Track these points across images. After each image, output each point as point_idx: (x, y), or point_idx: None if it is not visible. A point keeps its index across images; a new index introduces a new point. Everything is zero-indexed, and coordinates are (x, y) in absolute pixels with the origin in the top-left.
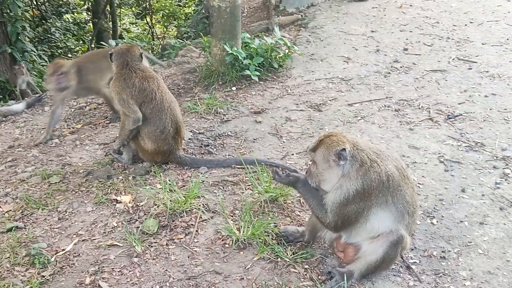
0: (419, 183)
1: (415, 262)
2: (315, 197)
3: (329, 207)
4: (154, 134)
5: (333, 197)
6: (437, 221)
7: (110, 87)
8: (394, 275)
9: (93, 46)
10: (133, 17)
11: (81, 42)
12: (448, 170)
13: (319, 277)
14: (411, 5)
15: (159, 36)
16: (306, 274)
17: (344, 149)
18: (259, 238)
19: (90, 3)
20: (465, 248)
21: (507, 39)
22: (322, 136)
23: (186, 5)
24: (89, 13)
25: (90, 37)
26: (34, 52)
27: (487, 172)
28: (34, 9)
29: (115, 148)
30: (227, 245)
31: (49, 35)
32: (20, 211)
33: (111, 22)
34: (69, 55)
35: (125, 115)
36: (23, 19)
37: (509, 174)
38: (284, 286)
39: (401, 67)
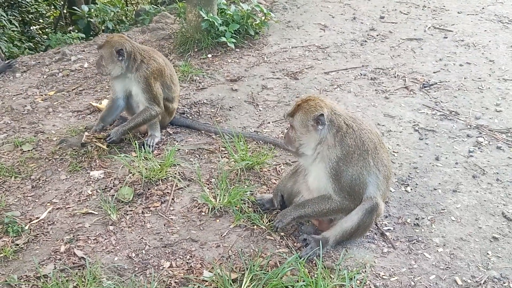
0: (394, 152)
1: (390, 229)
2: (308, 202)
3: (328, 188)
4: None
5: (322, 175)
6: (411, 189)
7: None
8: (368, 242)
9: (65, 11)
10: None
11: (52, 7)
12: (423, 139)
13: (295, 244)
14: None
15: (132, 2)
16: (282, 241)
17: (322, 115)
18: (235, 206)
19: None
20: (439, 215)
21: (482, 8)
22: (299, 100)
23: None
24: None
25: (62, 2)
26: (4, 17)
27: (461, 141)
28: None
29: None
30: (203, 213)
31: (19, 0)
32: None
33: None
34: (40, 21)
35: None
36: None
37: (482, 142)
38: (260, 253)
39: (377, 35)
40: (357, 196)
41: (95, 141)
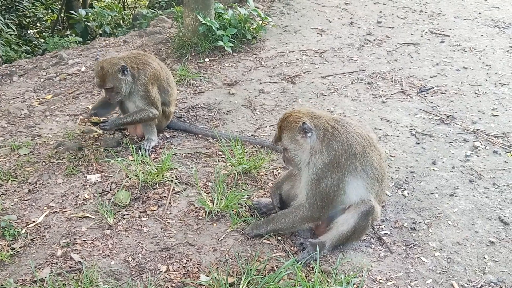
0: (390, 156)
1: (386, 233)
2: (279, 216)
3: (304, 191)
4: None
5: (305, 179)
6: (408, 193)
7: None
8: (365, 246)
9: (62, 15)
10: None
11: (49, 11)
12: (420, 143)
13: (292, 248)
14: None
15: (130, 6)
16: (278, 246)
17: (304, 123)
18: (232, 210)
19: None
20: (435, 219)
21: (479, 13)
22: (279, 121)
23: None
24: None
25: (59, 6)
26: (1, 20)
27: (458, 145)
28: None
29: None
30: (200, 217)
31: (17, 4)
32: None
33: None
34: (38, 24)
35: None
36: None
37: (479, 147)
38: (257, 257)
39: (374, 40)
40: (327, 203)
41: (89, 125)
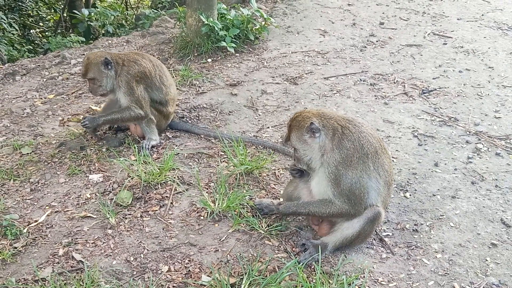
0: (393, 157)
1: (388, 234)
2: (310, 204)
3: (328, 192)
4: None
5: (322, 180)
6: (410, 195)
7: None
8: (367, 248)
9: (65, 15)
10: None
11: (52, 10)
12: (422, 145)
13: (293, 249)
14: None
15: (133, 6)
16: (280, 246)
17: (312, 123)
18: (234, 211)
19: None
20: (437, 221)
21: (482, 15)
22: (289, 121)
23: None
24: None
25: (62, 6)
26: (4, 20)
27: (460, 147)
28: None
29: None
30: (202, 217)
31: (20, 3)
32: None
33: None
34: (41, 24)
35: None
36: None
37: (481, 149)
38: (258, 258)
39: (377, 41)
40: (357, 200)
41: (68, 125)
